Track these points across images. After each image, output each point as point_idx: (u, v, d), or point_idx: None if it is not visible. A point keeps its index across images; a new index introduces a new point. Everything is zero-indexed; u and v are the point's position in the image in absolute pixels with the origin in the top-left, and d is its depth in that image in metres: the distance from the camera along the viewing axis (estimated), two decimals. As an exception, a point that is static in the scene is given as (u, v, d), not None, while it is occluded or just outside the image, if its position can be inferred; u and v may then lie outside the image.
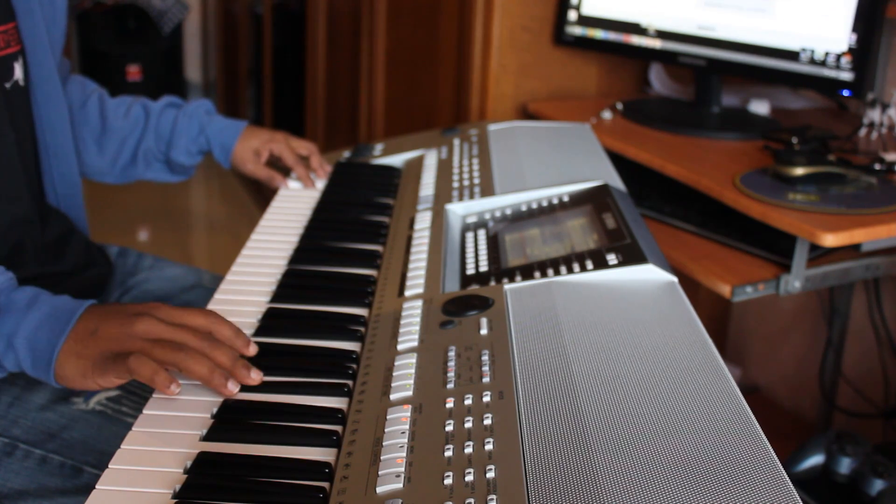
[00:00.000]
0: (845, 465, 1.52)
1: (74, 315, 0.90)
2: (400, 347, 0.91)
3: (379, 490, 0.69)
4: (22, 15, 1.14)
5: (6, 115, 1.11)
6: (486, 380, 0.80)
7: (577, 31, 1.98)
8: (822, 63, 1.63)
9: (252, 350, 0.91)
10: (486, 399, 0.77)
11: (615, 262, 1.01)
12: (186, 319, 0.89)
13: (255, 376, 0.88)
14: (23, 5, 1.13)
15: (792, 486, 0.65)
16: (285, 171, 1.48)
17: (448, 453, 0.71)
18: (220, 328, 0.90)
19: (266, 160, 1.47)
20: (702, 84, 1.88)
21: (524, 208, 1.24)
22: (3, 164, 1.11)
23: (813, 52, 1.64)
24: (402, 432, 0.75)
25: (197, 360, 0.85)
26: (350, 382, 0.89)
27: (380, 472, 0.71)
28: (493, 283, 1.02)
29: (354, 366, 0.92)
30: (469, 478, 0.67)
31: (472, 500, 0.65)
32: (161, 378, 0.84)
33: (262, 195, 3.46)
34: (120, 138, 1.41)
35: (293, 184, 1.46)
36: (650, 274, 1.00)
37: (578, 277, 1.00)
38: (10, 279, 0.94)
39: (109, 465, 0.76)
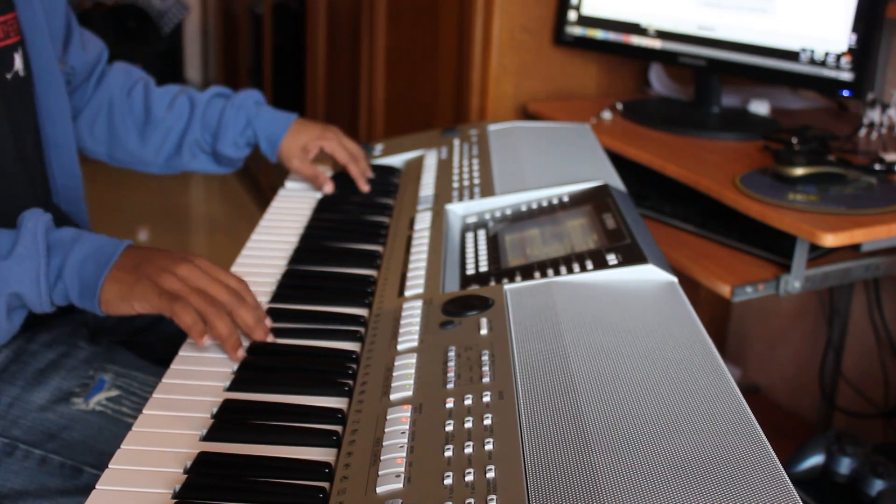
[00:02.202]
0: (845, 465, 1.52)
1: (118, 250, 0.99)
2: (400, 347, 0.91)
3: (379, 490, 0.69)
4: (21, 5, 1.14)
5: (2, 106, 1.10)
6: (486, 380, 0.80)
7: (577, 31, 1.98)
8: (822, 63, 1.63)
9: (263, 336, 0.97)
10: (486, 399, 0.77)
11: (615, 262, 1.01)
12: (223, 277, 0.98)
13: (270, 339, 0.97)
14: None
15: (792, 486, 0.65)
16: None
17: (448, 453, 0.71)
18: (241, 314, 0.96)
19: (314, 157, 1.43)
20: (702, 84, 1.88)
21: (524, 208, 1.24)
22: None
23: (813, 52, 1.64)
24: (402, 432, 0.75)
25: (222, 318, 0.93)
26: (350, 382, 0.89)
27: (380, 472, 0.71)
28: (493, 284, 1.02)
29: (354, 366, 0.92)
30: (469, 478, 0.67)
31: (472, 501, 0.65)
32: (199, 328, 0.92)
33: (262, 195, 3.46)
34: (164, 129, 1.41)
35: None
36: (650, 274, 1.00)
37: (578, 277, 1.00)
38: (49, 219, 1.01)
39: (109, 465, 0.76)
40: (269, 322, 0.98)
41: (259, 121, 1.41)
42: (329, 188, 1.41)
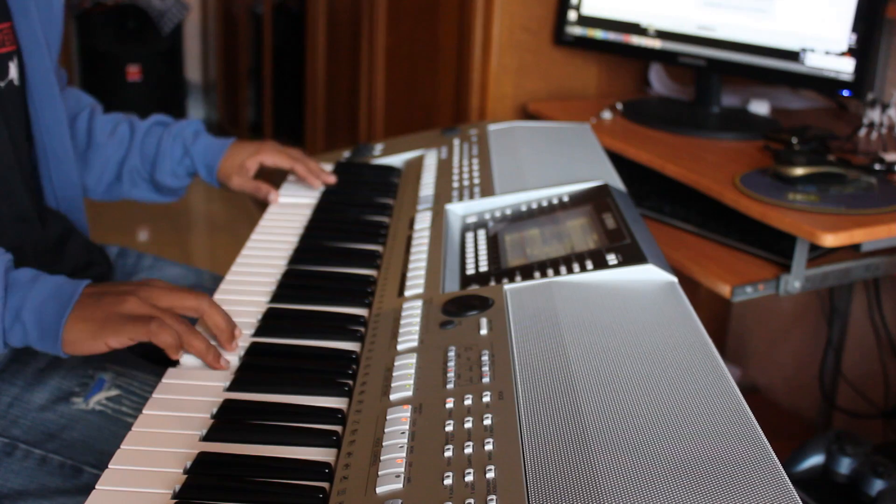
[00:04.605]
0: (845, 465, 1.52)
1: (77, 290, 0.95)
2: (400, 347, 0.91)
3: (379, 490, 0.69)
4: (18, 15, 1.14)
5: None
6: (485, 380, 0.80)
7: (577, 31, 1.98)
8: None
9: (233, 346, 0.96)
10: (486, 399, 0.77)
11: (615, 262, 1.01)
12: (183, 293, 0.96)
13: (224, 364, 0.93)
14: (18, 5, 1.13)
15: (792, 486, 0.65)
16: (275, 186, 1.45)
17: (448, 453, 0.71)
18: (213, 315, 0.95)
19: (255, 172, 1.42)
20: (702, 84, 1.88)
21: (524, 208, 1.24)
22: None
23: (813, 51, 1.64)
24: (402, 432, 0.75)
25: (197, 335, 0.92)
26: (350, 382, 0.89)
27: (380, 473, 0.71)
28: (493, 283, 1.02)
29: (354, 366, 0.92)
30: (469, 478, 0.67)
31: (471, 501, 0.65)
32: (177, 346, 0.91)
33: (262, 195, 3.45)
34: (104, 156, 1.40)
35: (283, 197, 1.42)
36: (650, 274, 1.00)
37: (578, 277, 1.00)
38: (10, 259, 0.98)
39: (109, 465, 0.76)
40: (235, 345, 0.96)
41: (195, 148, 1.41)
42: (274, 197, 1.40)
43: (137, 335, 0.91)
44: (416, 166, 1.48)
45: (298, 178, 1.44)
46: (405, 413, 0.78)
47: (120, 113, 1.45)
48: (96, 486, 0.74)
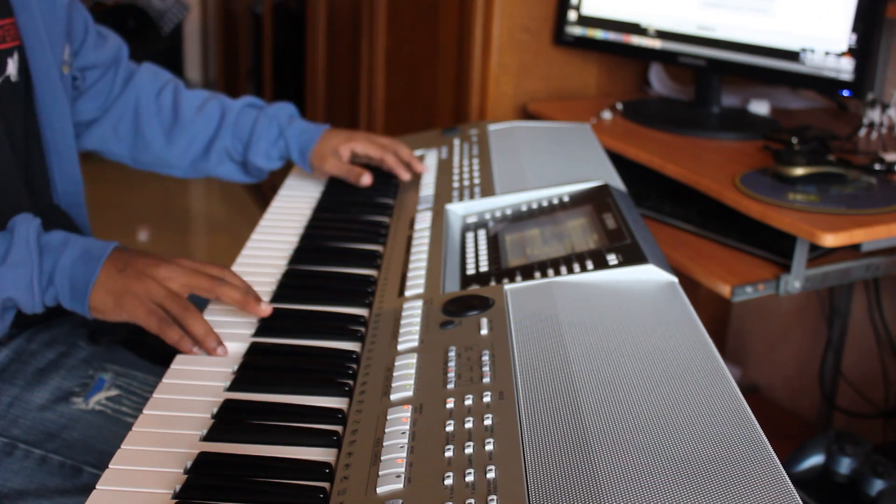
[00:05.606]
0: (845, 465, 1.52)
1: (104, 253, 1.01)
2: (400, 347, 0.91)
3: (379, 490, 0.69)
4: (20, 10, 1.13)
5: None
6: (486, 380, 0.80)
7: (577, 31, 1.98)
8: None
9: (264, 308, 1.01)
10: (487, 399, 0.77)
11: (615, 262, 1.01)
12: (202, 268, 1.02)
13: (266, 308, 1.00)
14: (20, 1, 1.13)
15: (792, 486, 0.65)
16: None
17: (448, 453, 0.71)
18: (230, 277, 1.02)
19: (349, 159, 1.44)
20: (702, 84, 1.88)
21: (524, 208, 1.24)
22: None
23: (813, 52, 1.64)
24: (403, 432, 0.75)
25: (198, 321, 0.96)
26: (350, 382, 0.89)
27: (380, 473, 0.71)
28: (493, 284, 1.02)
29: (354, 366, 0.92)
30: (469, 478, 0.67)
31: (472, 501, 0.65)
32: (187, 344, 0.96)
33: (262, 195, 3.46)
34: (192, 132, 1.41)
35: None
36: (650, 274, 1.00)
37: (579, 278, 1.00)
38: (39, 223, 1.03)
39: (109, 465, 0.76)
40: (266, 306, 1.01)
41: (290, 132, 1.43)
42: (367, 179, 1.41)
43: (150, 328, 0.98)
44: (416, 166, 1.48)
45: (389, 169, 1.44)
46: (406, 413, 0.78)
47: (204, 90, 1.47)
48: (96, 486, 0.74)
